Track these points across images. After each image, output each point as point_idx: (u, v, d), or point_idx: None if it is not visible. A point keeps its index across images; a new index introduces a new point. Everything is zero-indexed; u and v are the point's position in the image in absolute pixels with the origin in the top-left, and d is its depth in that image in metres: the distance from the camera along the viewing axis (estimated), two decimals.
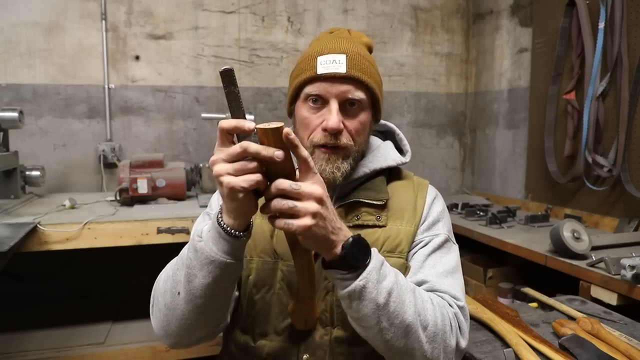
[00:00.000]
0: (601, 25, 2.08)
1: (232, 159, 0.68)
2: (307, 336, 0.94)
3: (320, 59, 0.90)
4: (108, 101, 2.64)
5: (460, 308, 0.89)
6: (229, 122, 0.68)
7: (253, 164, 0.67)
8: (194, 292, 0.78)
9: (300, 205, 0.68)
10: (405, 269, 0.94)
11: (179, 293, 0.81)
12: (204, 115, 2.49)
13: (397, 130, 1.11)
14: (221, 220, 0.74)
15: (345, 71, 0.89)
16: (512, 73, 2.89)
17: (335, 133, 0.90)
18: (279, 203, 0.69)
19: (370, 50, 1.03)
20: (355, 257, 0.75)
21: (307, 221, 0.69)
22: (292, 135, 0.67)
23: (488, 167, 3.14)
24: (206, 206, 1.10)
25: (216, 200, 1.05)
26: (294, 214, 0.69)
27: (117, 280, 2.55)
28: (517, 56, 2.84)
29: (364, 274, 0.75)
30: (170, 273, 0.86)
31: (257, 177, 0.67)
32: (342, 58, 0.90)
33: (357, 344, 0.92)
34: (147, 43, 2.69)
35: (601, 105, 2.16)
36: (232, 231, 0.74)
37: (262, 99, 2.91)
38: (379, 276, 0.76)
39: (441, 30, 3.24)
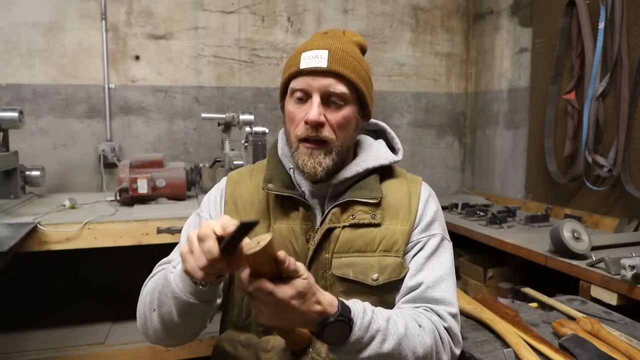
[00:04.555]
0: (601, 25, 2.08)
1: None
2: None
3: (304, 54, 0.94)
4: (108, 101, 2.64)
5: (453, 316, 0.93)
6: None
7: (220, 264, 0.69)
8: (164, 315, 0.83)
9: (261, 306, 0.72)
10: (402, 268, 0.96)
11: (154, 310, 0.85)
12: (204, 115, 2.49)
13: (389, 129, 1.12)
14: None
15: (326, 66, 0.92)
16: (512, 73, 2.89)
17: (315, 125, 0.92)
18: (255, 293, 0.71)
19: (362, 49, 1.04)
20: (333, 336, 0.77)
21: (263, 319, 0.74)
22: (280, 258, 0.69)
23: (488, 167, 3.14)
24: None
25: (207, 202, 1.06)
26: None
27: (117, 280, 2.55)
28: (517, 56, 2.84)
29: (347, 345, 0.78)
30: (151, 286, 0.88)
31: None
32: (324, 53, 0.92)
33: None
34: (147, 43, 2.69)
35: (601, 105, 2.16)
36: (196, 280, 0.75)
37: (262, 99, 2.91)
38: (367, 341, 0.79)
39: (441, 30, 3.24)
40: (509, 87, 2.92)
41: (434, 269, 0.96)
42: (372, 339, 0.79)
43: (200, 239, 0.68)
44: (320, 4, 2.97)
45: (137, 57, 2.69)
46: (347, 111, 0.95)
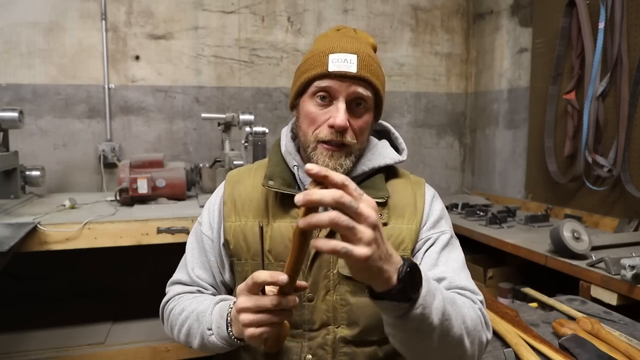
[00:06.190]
0: (601, 25, 2.08)
1: (259, 310, 0.73)
2: (310, 336, 0.95)
3: (332, 56, 0.92)
4: (108, 101, 2.64)
5: (481, 302, 0.92)
6: (263, 276, 0.72)
7: (274, 319, 0.73)
8: (194, 345, 0.95)
9: (360, 228, 0.58)
10: None
11: (191, 346, 0.95)
12: (204, 115, 2.49)
13: (392, 129, 1.12)
14: (231, 333, 0.84)
15: (356, 71, 0.91)
16: (512, 73, 2.89)
17: (341, 130, 0.92)
18: (338, 218, 0.57)
19: (374, 50, 1.05)
20: (413, 287, 0.68)
21: (365, 250, 0.58)
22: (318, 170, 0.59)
23: (488, 167, 3.14)
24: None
25: (207, 213, 1.06)
26: (348, 238, 0.58)
27: (117, 280, 2.55)
28: (517, 56, 2.84)
29: (420, 300, 0.69)
30: (185, 324, 0.95)
31: (276, 332, 0.76)
32: (354, 58, 0.91)
33: (361, 344, 0.93)
34: (147, 43, 2.69)
35: (601, 105, 2.16)
36: (241, 342, 0.85)
37: (262, 99, 2.91)
38: (432, 298, 0.72)
39: (441, 30, 3.24)
40: (509, 87, 2.92)
41: (448, 262, 0.96)
42: (434, 294, 0.73)
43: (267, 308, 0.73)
44: (320, 4, 2.97)
45: (137, 57, 2.69)
46: (368, 116, 0.96)
